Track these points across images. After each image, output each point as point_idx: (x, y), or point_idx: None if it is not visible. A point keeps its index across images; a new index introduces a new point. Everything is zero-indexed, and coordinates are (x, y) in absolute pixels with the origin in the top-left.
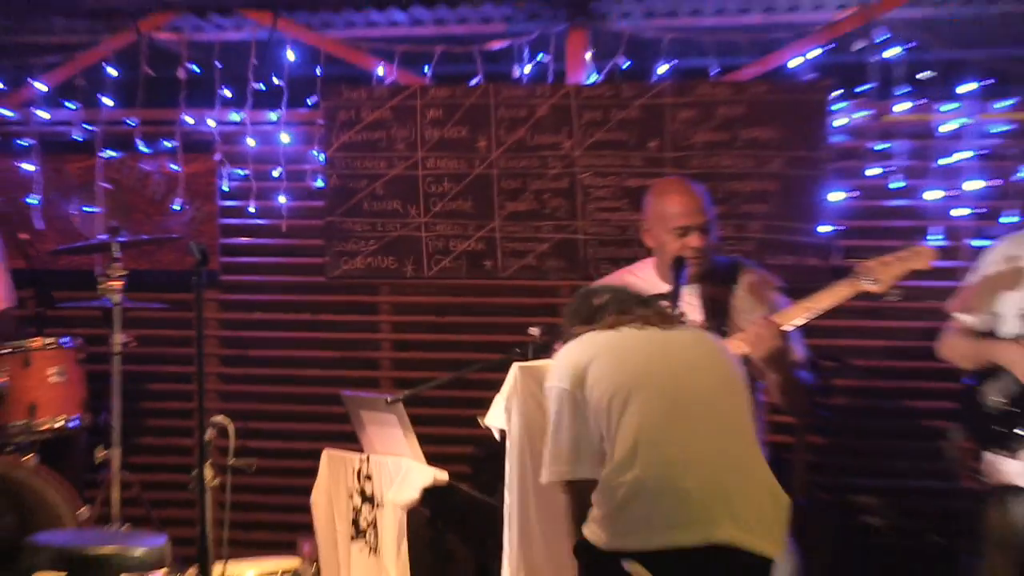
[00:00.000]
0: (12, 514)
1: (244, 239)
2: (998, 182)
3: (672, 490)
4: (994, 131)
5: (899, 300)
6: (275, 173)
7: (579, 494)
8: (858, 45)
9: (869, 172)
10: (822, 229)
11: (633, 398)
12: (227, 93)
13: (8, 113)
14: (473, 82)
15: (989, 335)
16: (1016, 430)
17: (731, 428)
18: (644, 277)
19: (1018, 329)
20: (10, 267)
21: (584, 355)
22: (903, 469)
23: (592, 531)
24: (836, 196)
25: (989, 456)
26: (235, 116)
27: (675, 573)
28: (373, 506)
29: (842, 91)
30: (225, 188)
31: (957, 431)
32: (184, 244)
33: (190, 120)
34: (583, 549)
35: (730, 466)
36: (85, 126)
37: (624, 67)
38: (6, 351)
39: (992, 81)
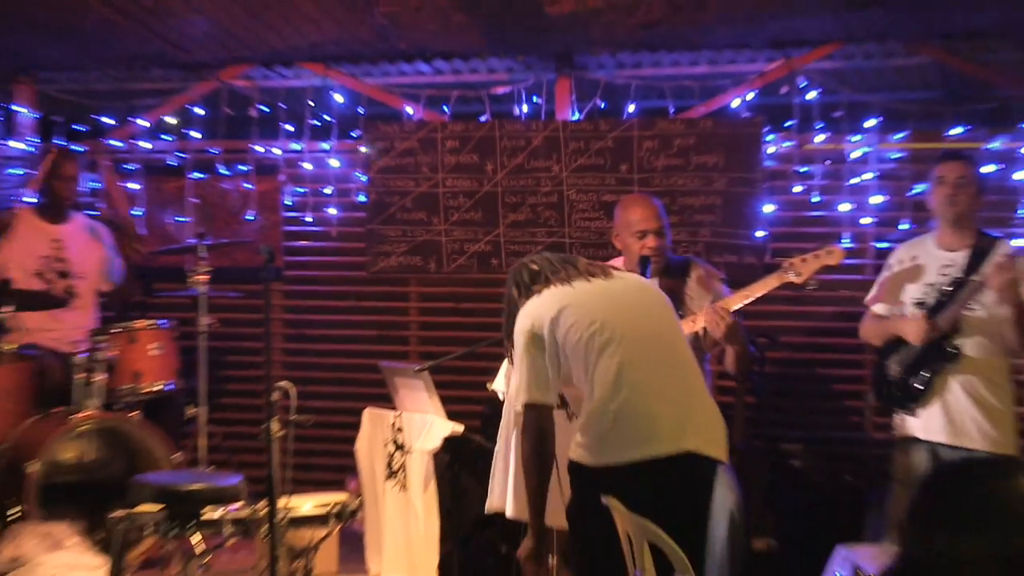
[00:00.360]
0: (121, 459)
1: (302, 242)
2: (894, 197)
3: (648, 414)
4: (891, 157)
5: (815, 289)
6: (327, 191)
7: (537, 415)
8: (783, 90)
9: (794, 189)
10: (757, 234)
11: (609, 341)
12: (289, 127)
13: (118, 144)
14: (482, 119)
15: (882, 320)
16: (914, 384)
17: (683, 360)
18: None
19: (908, 306)
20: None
21: (550, 307)
22: (820, 423)
23: (580, 454)
24: (768, 208)
25: (895, 414)
26: (295, 146)
27: (654, 478)
28: (404, 452)
29: (771, 126)
30: (287, 203)
31: (869, 395)
32: (255, 246)
33: (260, 149)
34: (574, 469)
35: (688, 391)
36: (178, 154)
37: (601, 107)
38: (117, 330)
39: (887, 119)
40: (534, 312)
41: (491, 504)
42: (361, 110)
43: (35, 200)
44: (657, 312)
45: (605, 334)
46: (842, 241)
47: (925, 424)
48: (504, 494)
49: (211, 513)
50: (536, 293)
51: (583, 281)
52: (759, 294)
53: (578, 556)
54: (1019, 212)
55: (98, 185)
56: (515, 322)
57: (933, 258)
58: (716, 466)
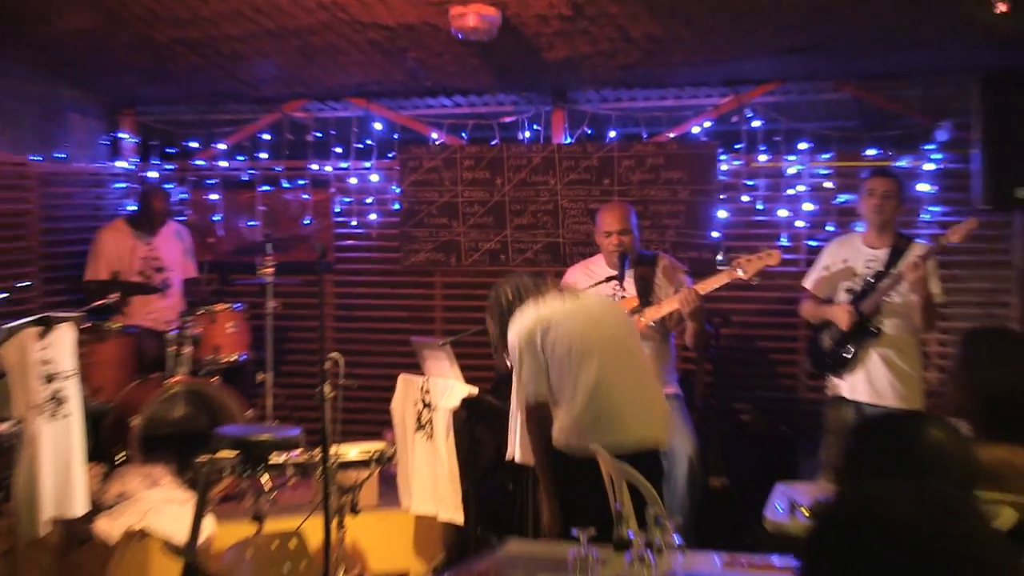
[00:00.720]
0: (204, 415)
1: (349, 242)
2: (822, 206)
3: (617, 415)
4: (819, 173)
5: (759, 283)
6: (368, 200)
7: (540, 411)
8: (734, 119)
9: (742, 199)
10: (713, 235)
11: (588, 353)
12: (338, 150)
13: (202, 163)
14: (493, 143)
15: (827, 302)
16: (843, 355)
17: (642, 367)
18: (597, 265)
19: (842, 299)
20: (198, 259)
21: (537, 323)
22: (764, 385)
23: (557, 439)
24: (721, 214)
25: (827, 379)
26: (343, 164)
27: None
28: (430, 410)
29: (724, 148)
30: (337, 210)
31: (804, 363)
32: (311, 245)
33: (315, 167)
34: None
35: (645, 389)
36: (249, 171)
37: (588, 133)
38: (201, 313)
39: (816, 143)
40: (525, 326)
41: (510, 453)
42: (396, 135)
43: (135, 208)
44: (621, 325)
45: (584, 347)
46: (780, 240)
47: (851, 387)
48: (513, 442)
49: (276, 458)
50: (520, 310)
51: (558, 301)
52: (715, 286)
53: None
54: (921, 217)
55: (185, 196)
56: (508, 331)
57: (860, 254)
58: (657, 451)
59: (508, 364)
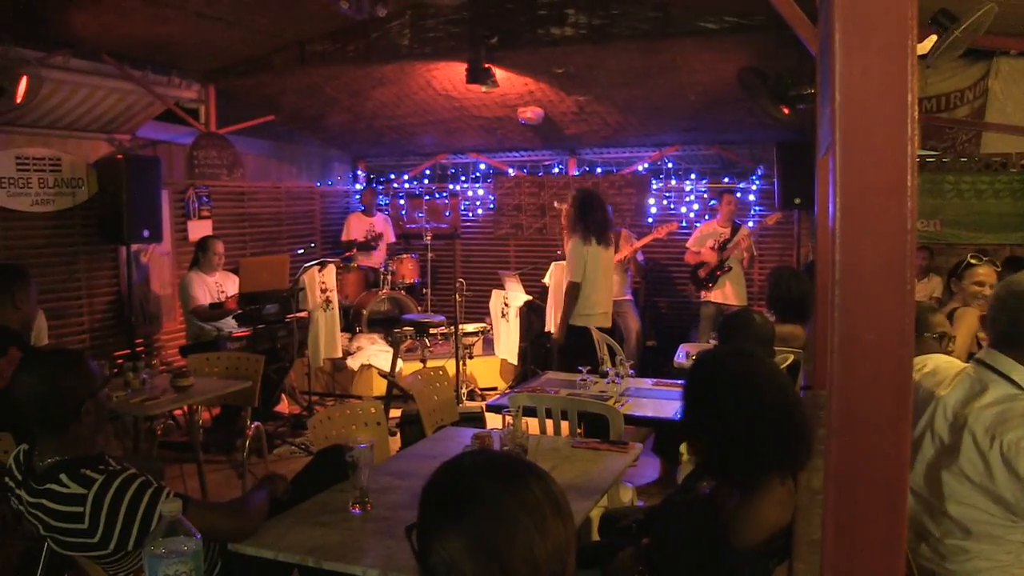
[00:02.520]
0: (397, 309)
1: (468, 224)
2: (701, 206)
3: (600, 301)
4: (700, 190)
5: (667, 238)
6: (477, 203)
7: (575, 288)
8: (659, 163)
9: (663, 203)
10: (648, 220)
11: (596, 267)
12: (463, 178)
13: (396, 185)
14: (539, 174)
15: (696, 253)
16: (710, 279)
17: (612, 278)
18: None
19: (705, 249)
20: (395, 232)
21: (589, 251)
22: (672, 294)
23: (575, 319)
24: (653, 210)
25: (703, 291)
26: (465, 185)
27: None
28: (508, 307)
29: (654, 178)
30: (462, 208)
31: (692, 283)
32: (449, 226)
33: (452, 186)
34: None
35: (611, 291)
36: (419, 189)
37: (587, 169)
38: (395, 258)
39: (699, 174)
40: (584, 249)
41: (547, 327)
42: (491, 170)
43: (361, 207)
44: (610, 259)
45: (595, 267)
46: (681, 222)
47: (715, 295)
48: (549, 322)
49: (433, 329)
50: (588, 239)
51: (592, 245)
52: (647, 242)
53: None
54: (751, 212)
55: (387, 201)
56: (574, 243)
57: (715, 231)
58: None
59: (545, 282)
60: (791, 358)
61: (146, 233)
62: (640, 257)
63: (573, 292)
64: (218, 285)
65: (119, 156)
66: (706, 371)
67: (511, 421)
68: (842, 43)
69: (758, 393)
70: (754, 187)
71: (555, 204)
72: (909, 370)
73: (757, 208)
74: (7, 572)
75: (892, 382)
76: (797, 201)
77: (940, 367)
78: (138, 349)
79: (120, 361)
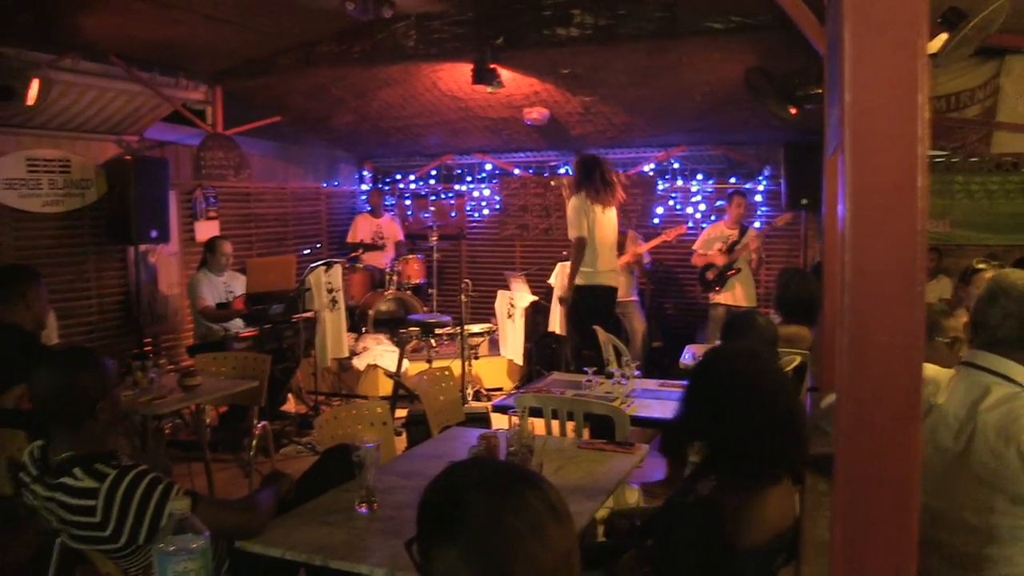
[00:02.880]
0: (403, 309)
1: (474, 224)
2: (708, 207)
3: (602, 262)
4: (706, 191)
5: (675, 241)
6: (483, 203)
7: (580, 241)
8: (665, 163)
9: (668, 203)
10: (654, 221)
11: (593, 225)
12: (468, 178)
13: (401, 185)
14: (545, 174)
15: (703, 256)
16: (719, 281)
17: (615, 244)
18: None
19: (709, 252)
20: (402, 232)
21: (588, 208)
22: (680, 295)
23: (580, 279)
24: (659, 210)
25: (711, 293)
26: (471, 185)
27: (601, 290)
28: (513, 307)
29: (660, 178)
30: (468, 208)
31: (699, 284)
32: (457, 226)
33: (457, 186)
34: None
35: (615, 257)
36: (424, 189)
37: None
38: (401, 259)
39: (706, 175)
40: (585, 205)
41: (551, 327)
42: (497, 171)
43: (368, 208)
44: (613, 223)
45: (595, 229)
46: (688, 223)
47: (724, 297)
48: (554, 323)
49: (438, 329)
50: (588, 198)
51: (601, 206)
52: (655, 244)
53: (575, 322)
54: (757, 213)
55: (392, 201)
56: (574, 201)
57: (723, 233)
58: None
59: (550, 282)
60: (798, 359)
61: (154, 233)
62: (647, 259)
63: (579, 246)
64: (226, 285)
65: (127, 157)
66: (712, 369)
67: (517, 422)
68: (852, 42)
69: (765, 393)
70: (761, 188)
71: (552, 183)
72: (919, 371)
73: (764, 209)
74: (21, 567)
75: (902, 383)
76: (804, 202)
77: (931, 376)
78: (146, 348)
79: (129, 360)
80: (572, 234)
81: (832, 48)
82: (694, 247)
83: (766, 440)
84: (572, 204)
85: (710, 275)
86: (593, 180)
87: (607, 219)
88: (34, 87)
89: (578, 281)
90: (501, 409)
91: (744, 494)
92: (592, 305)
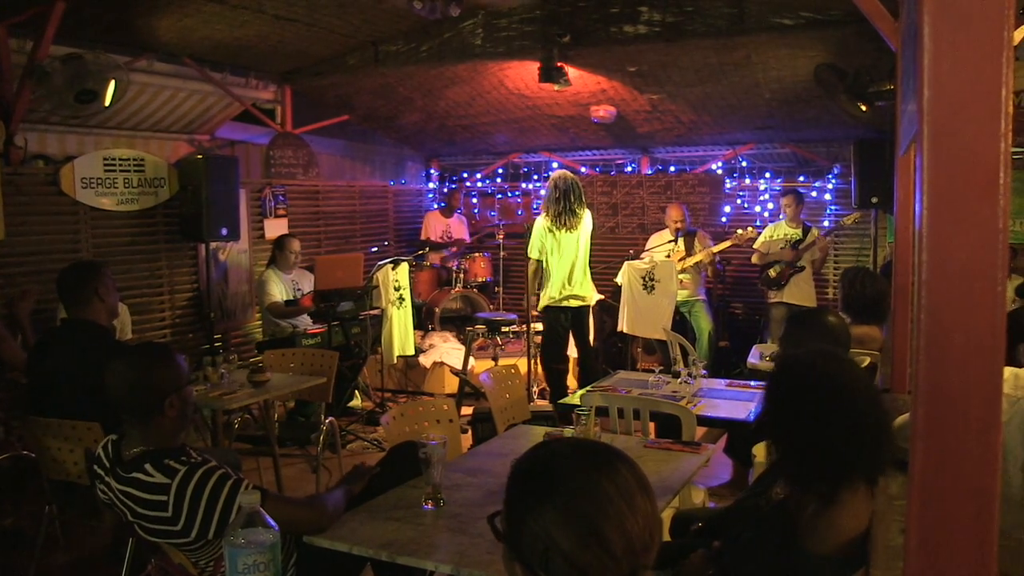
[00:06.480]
0: (469, 307)
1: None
2: (776, 207)
3: (565, 282)
4: (775, 190)
5: (747, 246)
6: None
7: (537, 264)
8: (733, 161)
9: (736, 202)
10: (722, 220)
11: (556, 254)
12: (535, 177)
13: (469, 184)
14: (612, 172)
15: (766, 254)
16: (781, 279)
17: (583, 264)
18: (663, 235)
19: (772, 251)
20: (469, 231)
21: (547, 233)
22: (746, 294)
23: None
24: (727, 209)
25: (772, 291)
26: (538, 183)
27: (564, 312)
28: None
29: (728, 176)
30: (535, 206)
31: (762, 284)
32: (522, 224)
33: (524, 184)
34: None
35: (581, 274)
36: (492, 187)
37: (659, 168)
38: (468, 256)
39: (773, 173)
40: (547, 229)
41: (620, 326)
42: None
43: (439, 205)
44: (576, 243)
45: (555, 250)
46: (756, 223)
47: (785, 295)
48: (622, 322)
49: (505, 327)
50: (555, 221)
51: (565, 229)
52: (724, 247)
53: (546, 339)
54: (826, 212)
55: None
56: (539, 221)
57: (784, 231)
58: (587, 308)
59: (617, 281)
60: (867, 360)
61: (224, 231)
62: (717, 260)
63: (532, 268)
64: (294, 282)
65: (199, 156)
66: (795, 373)
67: (584, 420)
68: (932, 35)
69: (851, 401)
70: (830, 186)
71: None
72: (999, 373)
73: (833, 207)
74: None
75: (981, 385)
76: (875, 200)
77: (1019, 374)
78: (216, 344)
79: (200, 356)
80: (528, 253)
81: (907, 43)
82: (754, 246)
83: (853, 449)
84: (536, 224)
85: (772, 273)
86: (562, 205)
87: (570, 242)
88: (110, 88)
89: (544, 302)
90: (567, 407)
91: (821, 499)
92: (563, 324)
